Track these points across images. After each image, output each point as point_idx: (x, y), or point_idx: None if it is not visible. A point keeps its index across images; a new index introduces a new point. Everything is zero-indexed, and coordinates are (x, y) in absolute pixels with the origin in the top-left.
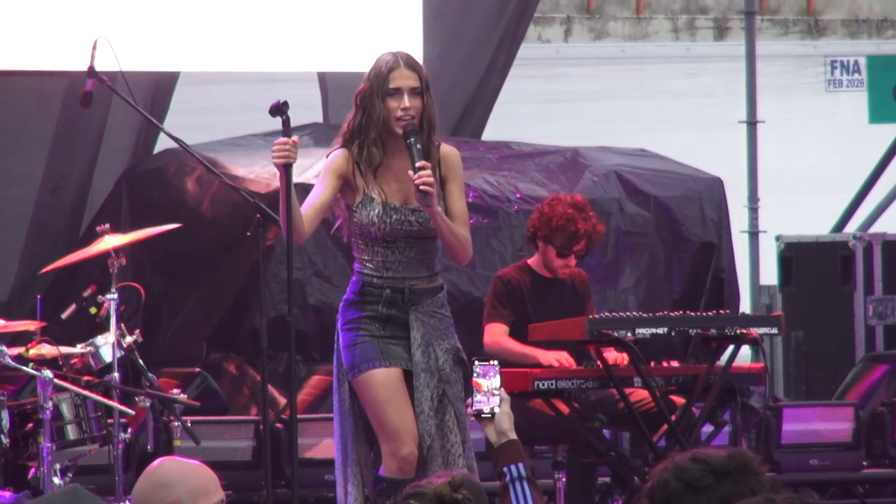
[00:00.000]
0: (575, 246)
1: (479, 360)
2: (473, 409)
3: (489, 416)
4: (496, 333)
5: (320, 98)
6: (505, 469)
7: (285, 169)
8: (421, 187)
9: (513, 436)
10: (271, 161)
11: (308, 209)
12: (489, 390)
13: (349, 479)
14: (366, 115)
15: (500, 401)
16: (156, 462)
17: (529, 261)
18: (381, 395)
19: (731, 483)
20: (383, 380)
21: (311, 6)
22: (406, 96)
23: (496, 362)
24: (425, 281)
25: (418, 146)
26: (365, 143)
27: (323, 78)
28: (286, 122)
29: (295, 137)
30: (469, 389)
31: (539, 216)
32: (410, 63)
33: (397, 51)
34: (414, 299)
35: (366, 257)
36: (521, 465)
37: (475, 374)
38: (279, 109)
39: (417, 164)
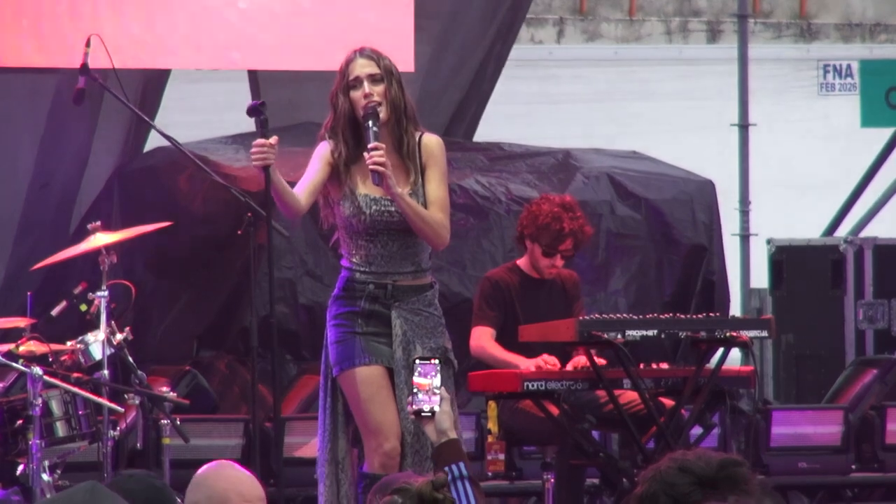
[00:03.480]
0: (560, 245)
1: (420, 360)
2: (414, 407)
3: (429, 415)
4: (482, 338)
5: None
6: (446, 468)
7: (265, 171)
8: (370, 167)
9: (453, 435)
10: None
11: (301, 190)
12: (430, 389)
13: (321, 477)
14: (335, 113)
15: (441, 400)
16: (216, 468)
17: (518, 261)
18: (364, 392)
19: (720, 496)
20: (366, 377)
21: (303, 5)
22: (366, 83)
23: (437, 361)
24: (410, 277)
25: (375, 129)
26: (338, 140)
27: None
28: (263, 123)
29: (274, 138)
30: (458, 390)
31: (527, 215)
32: (367, 53)
33: (361, 47)
34: (397, 295)
35: (350, 252)
36: (461, 465)
37: (416, 374)
38: (256, 110)
39: (370, 146)
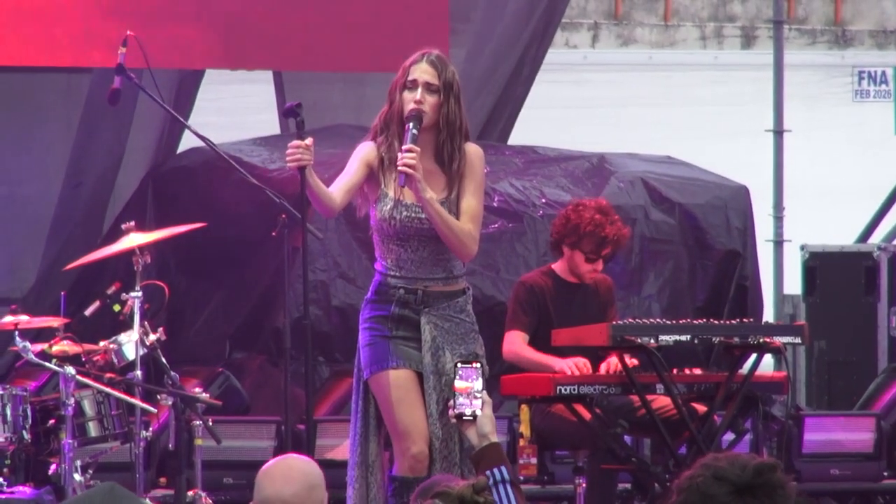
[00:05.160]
0: (604, 250)
1: (462, 363)
2: (455, 411)
3: (471, 418)
4: (515, 342)
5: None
6: (488, 472)
7: (301, 172)
8: (399, 167)
9: (494, 439)
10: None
11: (336, 189)
12: (471, 393)
13: (351, 480)
14: (390, 108)
15: (483, 404)
16: (286, 464)
17: (553, 265)
18: (393, 395)
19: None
20: (394, 380)
21: (339, 8)
22: (420, 89)
23: (478, 365)
24: (441, 283)
25: (414, 132)
26: (389, 135)
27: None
28: (300, 124)
29: (309, 140)
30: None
31: (565, 223)
32: (434, 61)
33: (431, 50)
34: (427, 301)
35: (383, 255)
36: (503, 469)
37: (457, 377)
38: (292, 111)
39: (404, 147)
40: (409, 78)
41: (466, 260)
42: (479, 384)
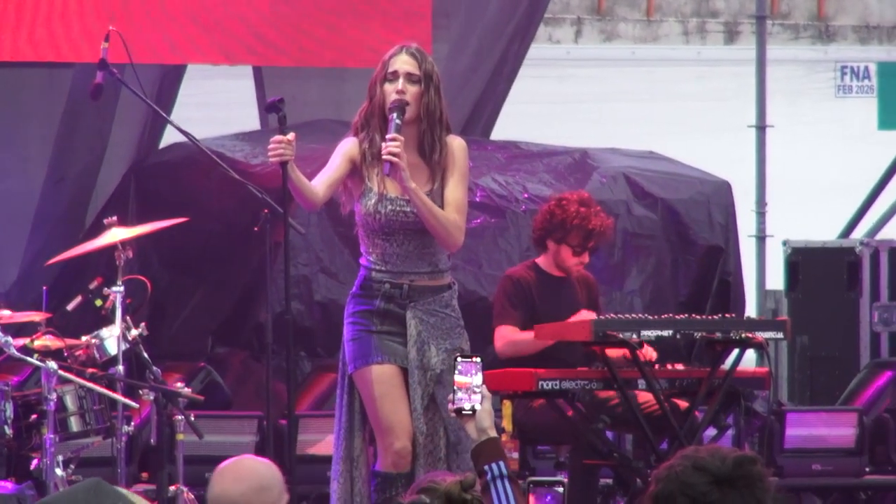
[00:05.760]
0: (590, 243)
1: (462, 358)
2: (454, 406)
3: (470, 413)
4: (507, 335)
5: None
6: (486, 467)
7: (283, 167)
8: (383, 156)
9: (493, 434)
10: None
11: (318, 183)
12: (471, 387)
13: (335, 475)
14: (371, 102)
15: (482, 398)
16: (239, 464)
17: (538, 260)
18: (376, 390)
19: (737, 495)
20: (378, 375)
21: (320, 3)
22: (402, 80)
23: (479, 359)
24: (426, 277)
25: (398, 122)
26: (370, 129)
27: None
28: (282, 119)
29: (291, 135)
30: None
31: (550, 218)
32: (413, 52)
33: (409, 43)
34: (413, 295)
35: (367, 249)
36: (501, 464)
37: (456, 372)
38: (275, 106)
39: (388, 136)
40: (390, 70)
41: (453, 250)
42: (478, 379)
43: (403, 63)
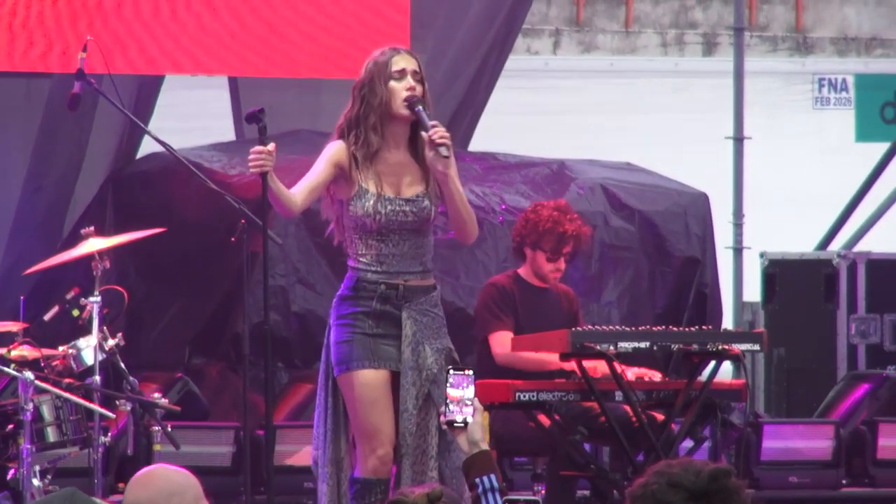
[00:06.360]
0: (564, 248)
1: (454, 370)
2: (446, 418)
3: (461, 425)
4: (505, 344)
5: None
6: (477, 480)
7: (262, 177)
8: (438, 140)
9: (485, 446)
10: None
11: (300, 188)
12: (462, 400)
13: (324, 478)
14: (364, 103)
15: (473, 411)
16: (149, 471)
17: (519, 270)
18: (366, 395)
19: None
20: (370, 381)
21: (297, 13)
22: (410, 77)
23: (470, 372)
24: (418, 277)
25: (427, 111)
26: (363, 130)
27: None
28: (262, 130)
29: (271, 145)
30: None
31: (524, 224)
32: (411, 52)
33: (396, 46)
34: (407, 296)
35: (360, 251)
36: (492, 477)
37: (448, 385)
38: (255, 116)
39: (431, 124)
40: (395, 69)
41: (471, 241)
42: (470, 391)
43: (408, 62)
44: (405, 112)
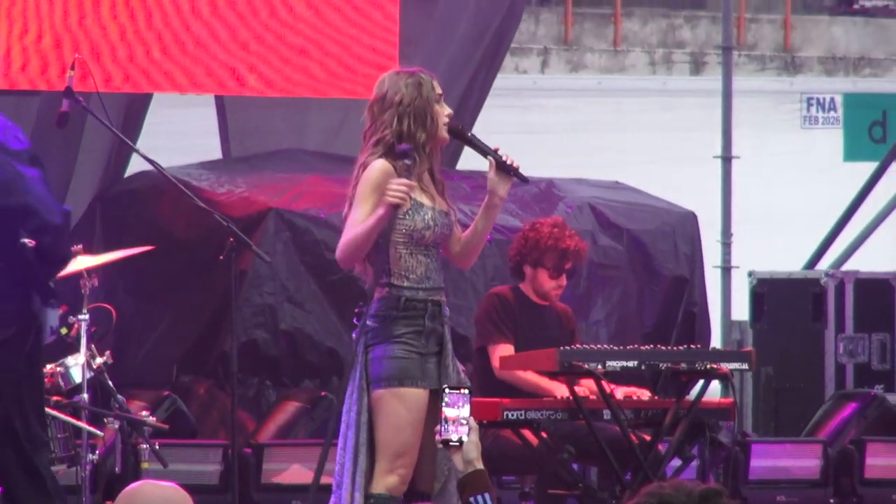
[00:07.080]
0: (566, 264)
1: (450, 389)
2: (441, 437)
3: (457, 444)
4: (509, 358)
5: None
6: (472, 499)
7: (390, 209)
8: (515, 164)
9: (480, 465)
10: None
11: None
12: (458, 419)
13: (358, 487)
14: (412, 120)
15: (469, 430)
16: (138, 486)
17: (521, 285)
18: (409, 414)
19: None
20: (419, 400)
21: (285, 32)
22: (444, 103)
23: (467, 391)
24: (443, 291)
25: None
26: (413, 151)
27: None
28: (409, 168)
29: (414, 182)
30: None
31: (524, 242)
32: None
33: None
34: (443, 311)
35: (409, 266)
36: (486, 496)
37: (444, 403)
38: (406, 153)
39: (493, 147)
40: (439, 92)
41: (469, 266)
42: (466, 410)
43: (439, 87)
44: (446, 136)
